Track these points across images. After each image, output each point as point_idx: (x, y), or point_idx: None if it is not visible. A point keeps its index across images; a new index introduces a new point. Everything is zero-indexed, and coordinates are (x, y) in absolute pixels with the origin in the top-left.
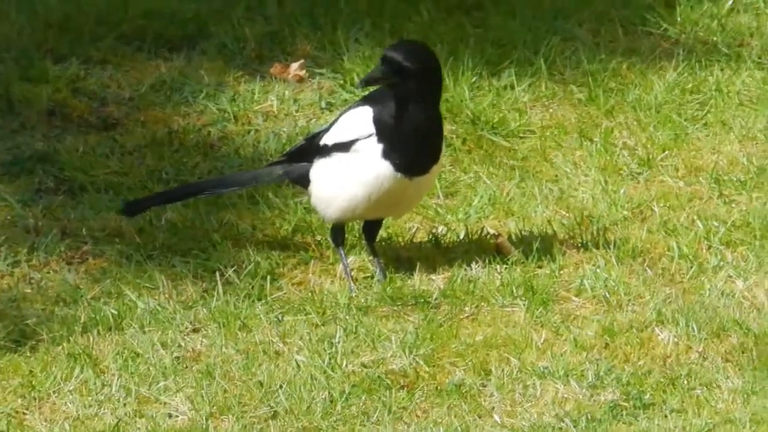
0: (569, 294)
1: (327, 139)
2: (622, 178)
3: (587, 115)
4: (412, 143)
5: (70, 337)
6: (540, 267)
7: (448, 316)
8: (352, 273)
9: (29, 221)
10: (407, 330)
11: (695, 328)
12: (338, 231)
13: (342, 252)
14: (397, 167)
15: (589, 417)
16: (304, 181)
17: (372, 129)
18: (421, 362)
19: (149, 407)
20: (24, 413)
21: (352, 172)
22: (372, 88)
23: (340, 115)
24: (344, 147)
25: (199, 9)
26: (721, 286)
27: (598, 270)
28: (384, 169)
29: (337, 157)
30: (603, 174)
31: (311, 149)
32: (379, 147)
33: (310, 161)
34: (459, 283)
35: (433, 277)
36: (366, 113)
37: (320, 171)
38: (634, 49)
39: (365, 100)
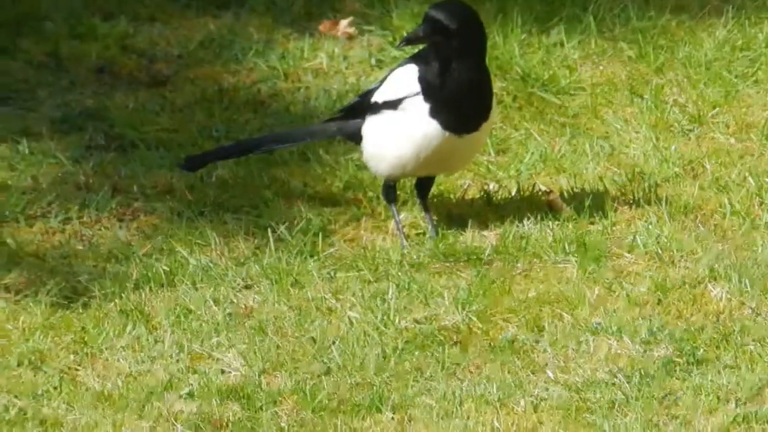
0: (621, 250)
1: (377, 97)
2: (673, 135)
3: (637, 72)
4: (459, 102)
5: (122, 294)
6: (592, 223)
7: (501, 273)
8: (404, 229)
9: (80, 178)
10: (460, 286)
11: (748, 285)
12: (390, 188)
13: (394, 208)
14: (445, 125)
15: (643, 373)
16: (356, 138)
17: (418, 87)
18: (474, 318)
19: (202, 363)
20: (77, 369)
21: (401, 129)
22: (421, 46)
23: (390, 73)
24: (393, 105)
25: None
26: None
27: (650, 226)
28: (432, 127)
29: (386, 114)
30: (654, 131)
31: (363, 106)
32: (426, 106)
33: (363, 118)
34: (511, 239)
35: (485, 233)
36: (412, 72)
37: (371, 128)
38: (683, 6)
39: (413, 58)
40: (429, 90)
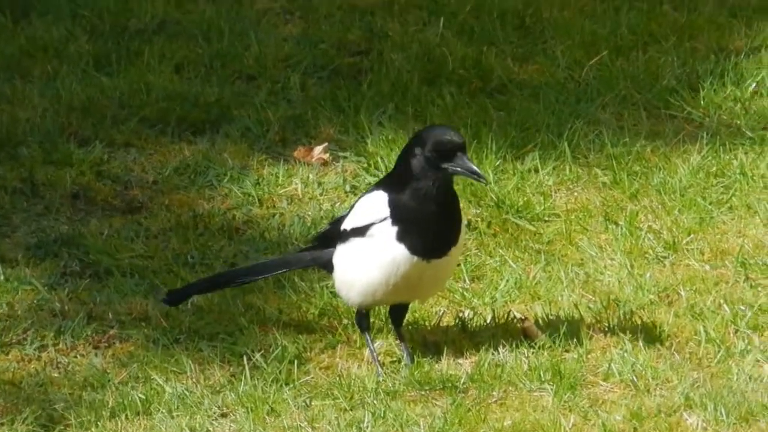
0: (597, 378)
1: (346, 224)
2: (647, 262)
3: (612, 198)
4: (429, 226)
5: (98, 422)
6: (567, 351)
7: (476, 401)
8: (380, 357)
9: (55, 305)
10: (435, 415)
11: (724, 413)
12: (363, 316)
13: (368, 337)
14: (414, 250)
15: None
16: (329, 267)
17: (386, 212)
18: None
19: None
20: None
21: (369, 256)
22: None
23: (357, 200)
24: (360, 232)
25: (222, 92)
26: (749, 371)
27: (625, 354)
28: (400, 252)
29: (354, 241)
30: (629, 258)
31: (334, 234)
32: (394, 230)
33: (334, 246)
34: (486, 367)
35: (460, 361)
36: (380, 197)
37: (341, 256)
38: (657, 133)
39: (379, 185)
40: (399, 214)
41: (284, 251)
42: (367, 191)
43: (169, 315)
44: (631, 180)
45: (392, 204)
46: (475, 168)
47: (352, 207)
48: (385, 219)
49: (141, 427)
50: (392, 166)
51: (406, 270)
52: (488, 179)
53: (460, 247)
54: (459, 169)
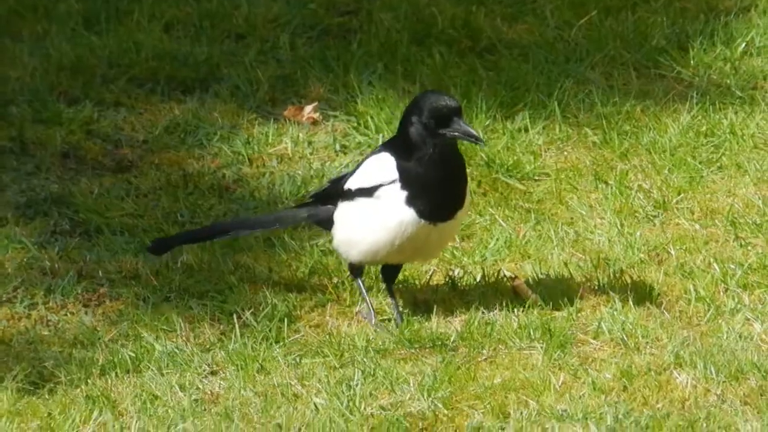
0: (587, 337)
1: (351, 184)
2: (637, 221)
3: (602, 157)
4: (436, 190)
5: (88, 380)
6: (557, 310)
7: (466, 359)
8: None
9: (45, 263)
10: (425, 372)
11: (713, 371)
12: (357, 267)
13: (361, 283)
14: (421, 213)
15: None
16: (327, 224)
17: (395, 175)
18: (440, 405)
19: None
20: None
21: (375, 216)
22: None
23: (364, 160)
24: (368, 192)
25: (212, 51)
26: (738, 329)
27: (615, 313)
28: (407, 215)
29: (361, 201)
30: (619, 217)
31: (335, 192)
32: (403, 194)
33: (335, 204)
34: (476, 325)
35: (450, 319)
36: (388, 160)
37: (344, 214)
38: (647, 92)
39: (386, 146)
40: (407, 178)
41: (274, 210)
42: (374, 152)
43: (159, 273)
44: (621, 139)
45: (400, 168)
46: (472, 131)
47: (357, 167)
48: (393, 182)
49: (131, 384)
50: (382, 125)
51: (413, 232)
52: (485, 141)
53: (465, 210)
54: (456, 133)
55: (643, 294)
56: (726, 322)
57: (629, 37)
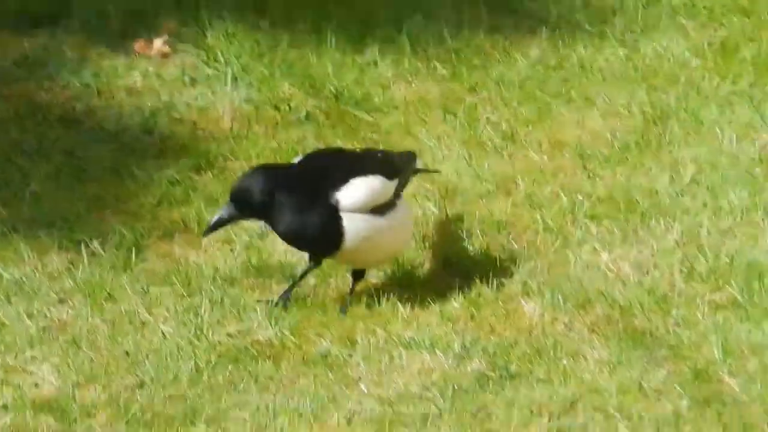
0: (436, 265)
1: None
2: (486, 153)
3: (450, 91)
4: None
5: None
6: None
7: (314, 288)
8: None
9: None
10: (273, 300)
11: (561, 300)
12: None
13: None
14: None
15: (456, 387)
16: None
17: None
18: (287, 333)
19: (15, 376)
20: None
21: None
22: None
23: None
24: None
25: None
26: (586, 259)
27: (462, 243)
28: None
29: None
30: (467, 148)
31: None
32: None
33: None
34: None
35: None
36: None
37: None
38: (497, 27)
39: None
40: None
41: (122, 141)
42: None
43: (8, 203)
44: (470, 73)
45: None
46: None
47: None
48: None
49: None
50: (231, 59)
51: None
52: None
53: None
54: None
55: (490, 224)
56: (573, 252)
57: None
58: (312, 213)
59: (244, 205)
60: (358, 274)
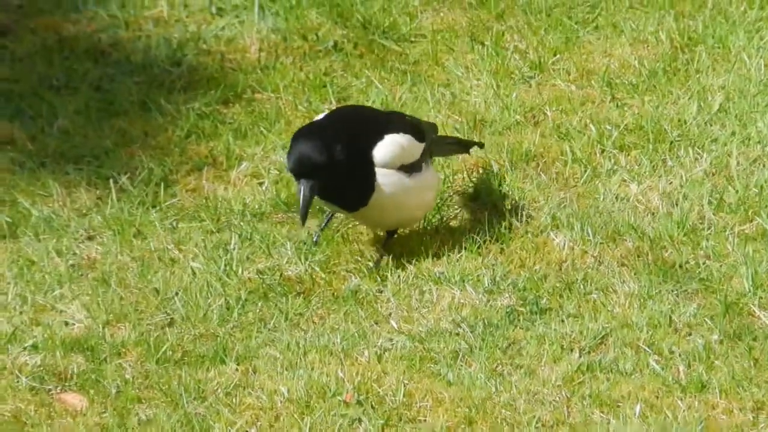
0: (465, 199)
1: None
2: (513, 83)
3: (478, 18)
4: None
5: None
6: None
7: (344, 223)
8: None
9: None
10: (301, 236)
11: (590, 233)
12: None
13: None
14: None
15: (486, 322)
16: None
17: None
18: (317, 269)
19: (45, 315)
20: None
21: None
22: None
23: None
24: None
25: None
26: (615, 190)
27: (491, 176)
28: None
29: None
30: (495, 78)
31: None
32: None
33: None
34: None
35: None
36: None
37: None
38: None
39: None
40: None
41: (149, 74)
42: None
43: (36, 138)
44: (497, 0)
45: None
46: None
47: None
48: None
49: (8, 250)
50: None
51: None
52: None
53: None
54: None
55: (519, 156)
56: (602, 184)
57: None
58: (356, 167)
59: (311, 170)
60: (390, 233)
